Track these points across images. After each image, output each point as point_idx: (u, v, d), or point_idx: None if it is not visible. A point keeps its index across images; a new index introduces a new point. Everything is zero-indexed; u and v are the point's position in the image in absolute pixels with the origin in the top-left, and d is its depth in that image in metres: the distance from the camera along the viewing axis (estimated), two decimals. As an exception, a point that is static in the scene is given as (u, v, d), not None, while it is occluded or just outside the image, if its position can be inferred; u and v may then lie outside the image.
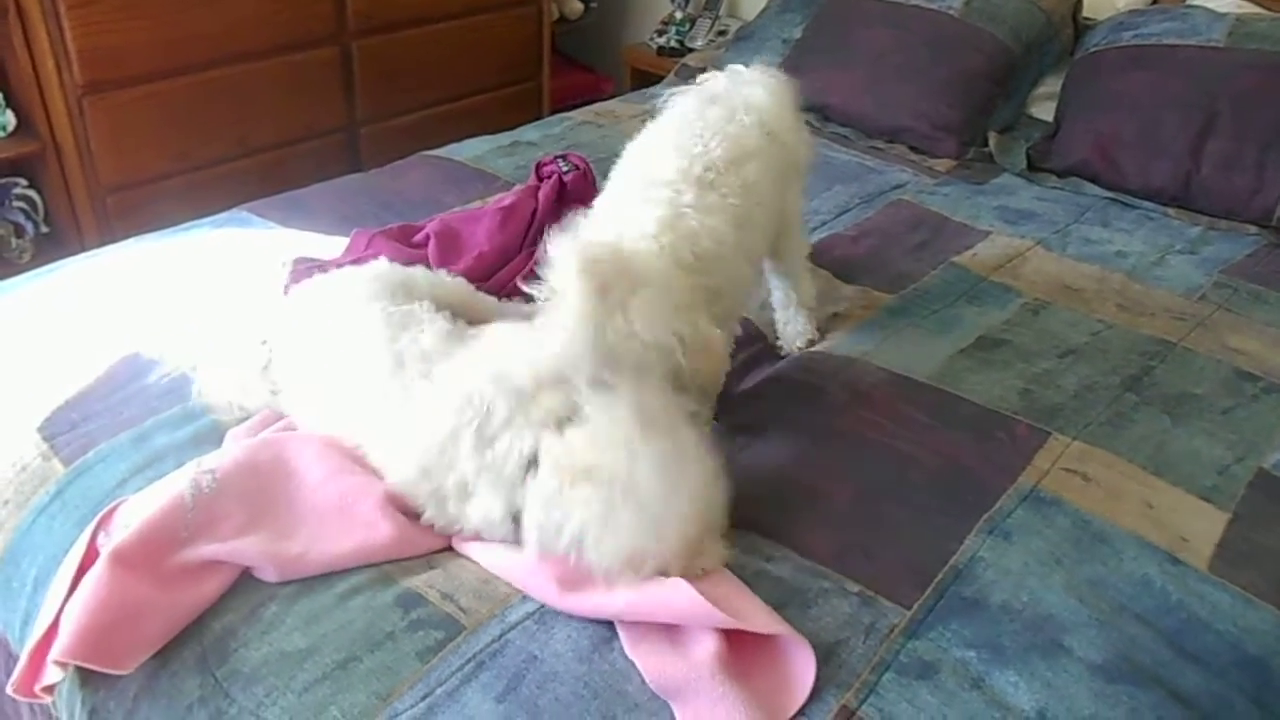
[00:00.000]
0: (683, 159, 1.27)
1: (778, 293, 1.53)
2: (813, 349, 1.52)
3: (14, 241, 2.38)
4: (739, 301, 1.34)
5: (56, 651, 0.97)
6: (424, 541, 1.13)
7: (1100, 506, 1.22)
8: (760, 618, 1.00)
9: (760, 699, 0.95)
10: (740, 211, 1.26)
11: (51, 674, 0.99)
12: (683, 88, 1.45)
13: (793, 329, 1.54)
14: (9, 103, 2.28)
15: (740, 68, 1.49)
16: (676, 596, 1.00)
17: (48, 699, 1.01)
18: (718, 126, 1.33)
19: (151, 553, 1.04)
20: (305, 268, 1.52)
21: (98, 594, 1.00)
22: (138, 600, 1.01)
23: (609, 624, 1.03)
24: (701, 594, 1.00)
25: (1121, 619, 1.07)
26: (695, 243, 1.20)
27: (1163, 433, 1.35)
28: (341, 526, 1.11)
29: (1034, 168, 2.18)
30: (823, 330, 1.57)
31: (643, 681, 0.97)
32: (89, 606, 0.99)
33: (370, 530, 1.10)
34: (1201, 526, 1.21)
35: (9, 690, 1.01)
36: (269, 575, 1.08)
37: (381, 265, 1.35)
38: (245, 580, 1.08)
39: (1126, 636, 1.05)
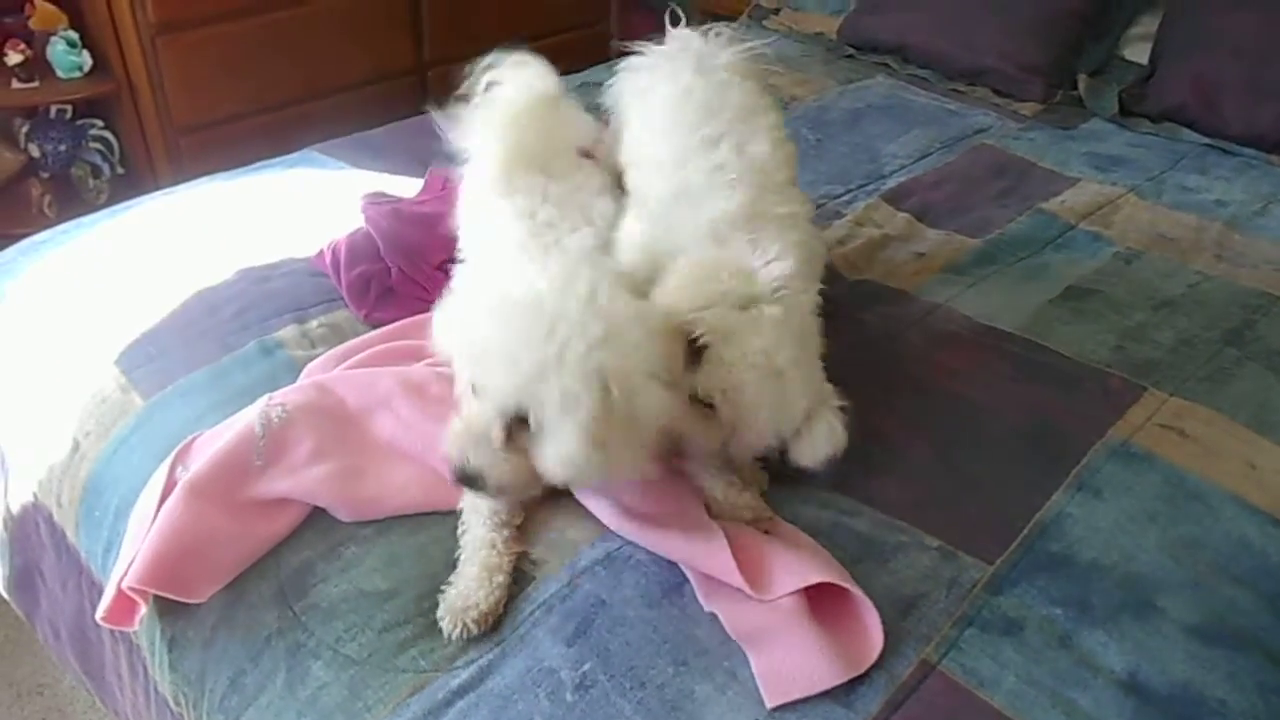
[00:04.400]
0: None
1: None
2: (894, 295, 1.46)
3: (91, 182, 2.42)
4: None
5: (130, 579, 0.99)
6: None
7: (1197, 464, 1.16)
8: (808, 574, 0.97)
9: (838, 648, 0.92)
10: None
11: (143, 606, 1.00)
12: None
13: None
14: (85, 43, 2.30)
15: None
16: (715, 558, 0.98)
17: (133, 628, 1.03)
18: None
19: (225, 483, 1.05)
20: (378, 204, 1.51)
21: (172, 523, 1.01)
22: (211, 530, 1.02)
23: (679, 572, 1.02)
24: (760, 556, 0.98)
25: (1218, 580, 1.02)
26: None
27: (1267, 389, 1.29)
28: (412, 472, 1.10)
29: (1126, 112, 2.08)
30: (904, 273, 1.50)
31: (713, 627, 0.96)
32: (162, 534, 1.00)
33: (441, 482, 1.08)
34: (1307, 488, 1.15)
35: (98, 618, 1.03)
36: (342, 515, 1.08)
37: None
38: (320, 518, 1.08)
39: (1224, 598, 1.01)
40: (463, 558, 1.01)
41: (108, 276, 1.47)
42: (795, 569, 0.97)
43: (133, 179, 2.44)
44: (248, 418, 1.11)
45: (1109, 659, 0.94)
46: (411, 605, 0.99)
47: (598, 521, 1.07)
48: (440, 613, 0.97)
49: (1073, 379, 1.29)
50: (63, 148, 2.40)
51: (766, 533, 1.05)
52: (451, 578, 1.00)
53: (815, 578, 0.95)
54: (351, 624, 0.98)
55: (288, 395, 1.15)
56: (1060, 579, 1.02)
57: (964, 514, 1.09)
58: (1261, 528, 1.08)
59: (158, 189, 1.78)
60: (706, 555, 0.99)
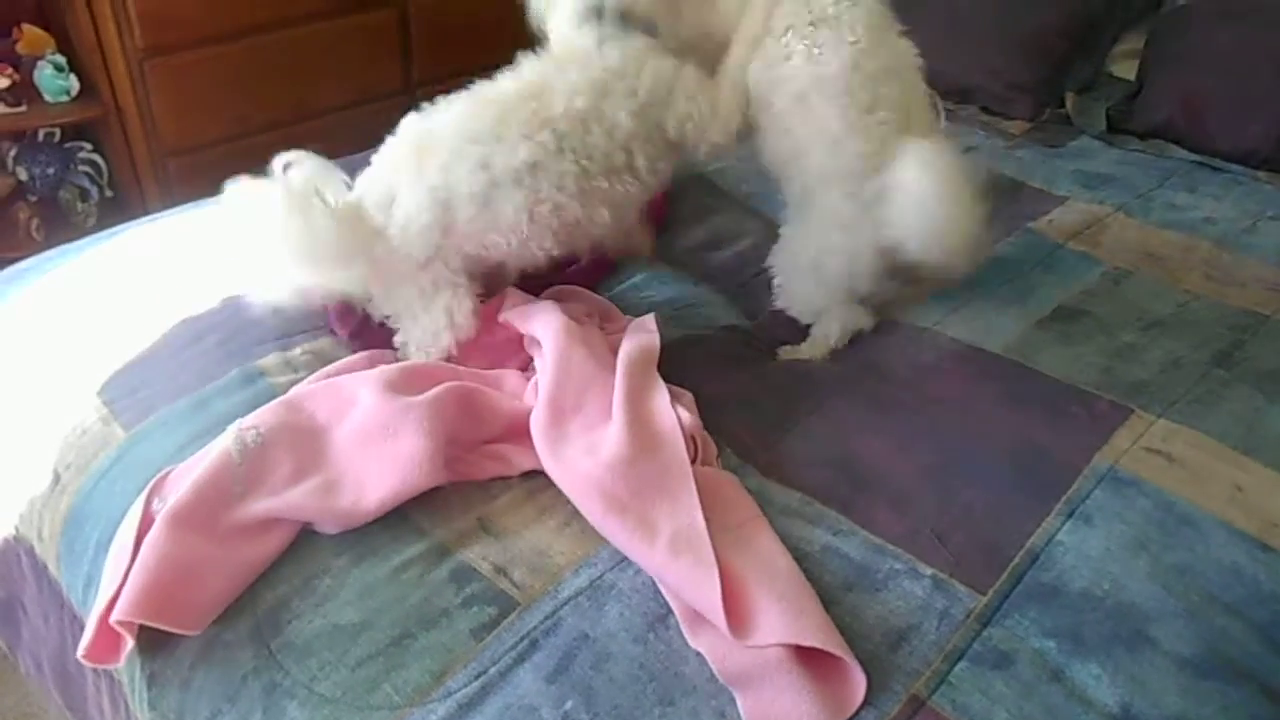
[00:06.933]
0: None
1: None
2: (882, 319, 1.45)
3: (79, 205, 2.41)
4: None
5: (119, 612, 0.97)
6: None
7: (1185, 488, 1.15)
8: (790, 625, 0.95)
9: (827, 691, 0.91)
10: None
11: (129, 642, 0.99)
12: None
13: None
14: (72, 67, 2.30)
15: None
16: (703, 592, 0.96)
17: (118, 664, 1.01)
18: None
19: (207, 511, 1.04)
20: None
21: (157, 553, 1.00)
22: (198, 558, 1.01)
23: (664, 602, 1.01)
24: (738, 589, 0.97)
25: (1211, 610, 1.01)
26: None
27: (1255, 411, 1.27)
28: (384, 460, 1.09)
29: (1114, 130, 2.08)
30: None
31: (700, 664, 0.94)
32: (149, 565, 0.99)
33: (410, 462, 1.09)
34: (1296, 512, 1.14)
35: (79, 656, 1.01)
36: (329, 529, 1.07)
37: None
38: (298, 550, 1.07)
39: (1216, 628, 0.99)
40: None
41: (92, 305, 1.46)
42: (782, 619, 0.94)
43: (121, 202, 2.43)
44: (222, 445, 1.10)
45: (1101, 693, 0.93)
46: (383, 635, 0.98)
47: (582, 542, 1.07)
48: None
49: (1061, 402, 1.28)
50: (51, 171, 2.38)
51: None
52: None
53: (800, 637, 0.93)
54: (325, 661, 0.96)
55: (260, 417, 1.14)
56: (1052, 610, 1.00)
57: (956, 542, 1.08)
58: (1250, 553, 1.07)
59: (146, 212, 1.77)
60: (694, 587, 0.98)
